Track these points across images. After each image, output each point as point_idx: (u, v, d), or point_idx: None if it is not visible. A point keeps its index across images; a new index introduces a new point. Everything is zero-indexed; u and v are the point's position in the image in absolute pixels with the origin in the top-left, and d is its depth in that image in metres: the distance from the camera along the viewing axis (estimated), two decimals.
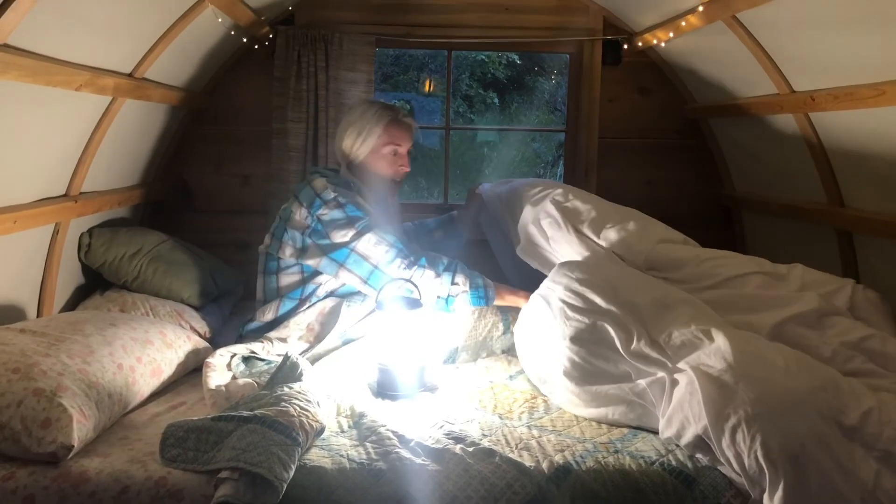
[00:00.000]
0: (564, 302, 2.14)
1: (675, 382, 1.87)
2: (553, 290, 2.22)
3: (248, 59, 3.42)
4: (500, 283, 2.57)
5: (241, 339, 2.52)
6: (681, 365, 1.88)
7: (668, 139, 3.62)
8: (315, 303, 2.48)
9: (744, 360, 1.81)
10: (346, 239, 2.40)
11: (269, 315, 2.49)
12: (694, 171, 3.63)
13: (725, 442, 1.70)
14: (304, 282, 2.49)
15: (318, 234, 2.42)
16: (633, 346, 1.97)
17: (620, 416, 1.99)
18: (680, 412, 1.81)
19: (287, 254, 2.47)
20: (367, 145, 2.58)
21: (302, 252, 2.45)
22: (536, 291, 2.35)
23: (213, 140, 3.51)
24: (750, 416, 1.69)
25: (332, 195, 2.43)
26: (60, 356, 1.90)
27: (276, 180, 3.35)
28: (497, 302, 2.53)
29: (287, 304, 2.49)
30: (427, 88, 7.51)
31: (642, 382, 1.92)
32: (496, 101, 7.69)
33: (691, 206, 3.64)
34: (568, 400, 2.09)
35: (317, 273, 2.49)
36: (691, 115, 3.54)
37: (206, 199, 3.55)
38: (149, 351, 2.17)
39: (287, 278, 2.51)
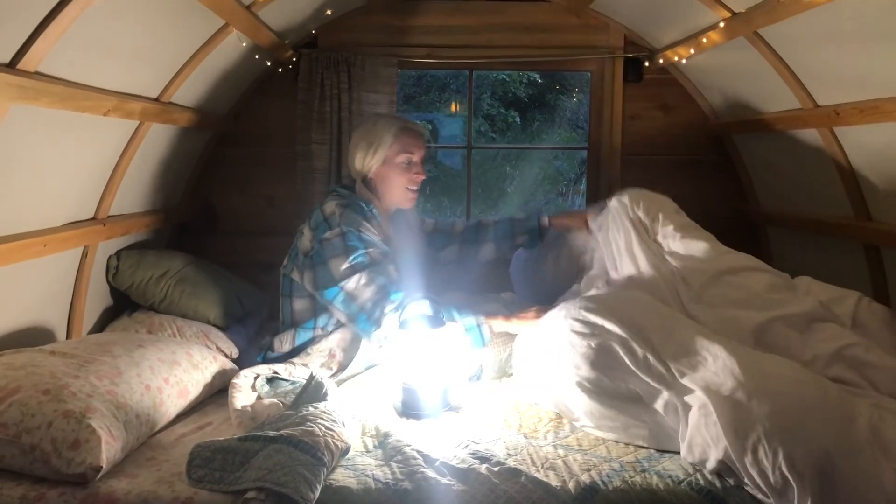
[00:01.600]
0: (573, 331, 2.06)
1: (686, 406, 1.85)
2: (560, 324, 2.14)
3: (272, 82, 3.47)
4: (490, 314, 2.44)
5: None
6: (689, 384, 1.85)
7: (691, 155, 3.60)
8: (333, 331, 2.47)
9: (752, 374, 1.79)
10: (339, 275, 2.35)
11: (286, 346, 2.49)
12: (718, 187, 3.60)
13: (748, 460, 1.67)
14: (315, 312, 2.48)
15: (319, 255, 2.38)
16: (641, 365, 1.93)
17: (642, 441, 1.97)
18: (698, 436, 1.79)
19: (297, 276, 2.47)
20: (380, 156, 2.54)
21: (303, 276, 2.45)
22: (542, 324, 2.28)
23: (238, 162, 3.56)
24: (769, 430, 1.67)
25: (338, 220, 2.40)
26: (89, 378, 1.92)
27: (301, 201, 3.38)
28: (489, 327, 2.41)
29: (302, 335, 2.49)
30: (453, 109, 7.60)
31: (658, 409, 1.90)
32: (518, 119, 7.70)
33: (716, 223, 3.58)
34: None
35: None
36: (715, 131, 3.53)
37: (232, 221, 3.59)
38: (176, 372, 2.19)
39: (300, 303, 2.50)
